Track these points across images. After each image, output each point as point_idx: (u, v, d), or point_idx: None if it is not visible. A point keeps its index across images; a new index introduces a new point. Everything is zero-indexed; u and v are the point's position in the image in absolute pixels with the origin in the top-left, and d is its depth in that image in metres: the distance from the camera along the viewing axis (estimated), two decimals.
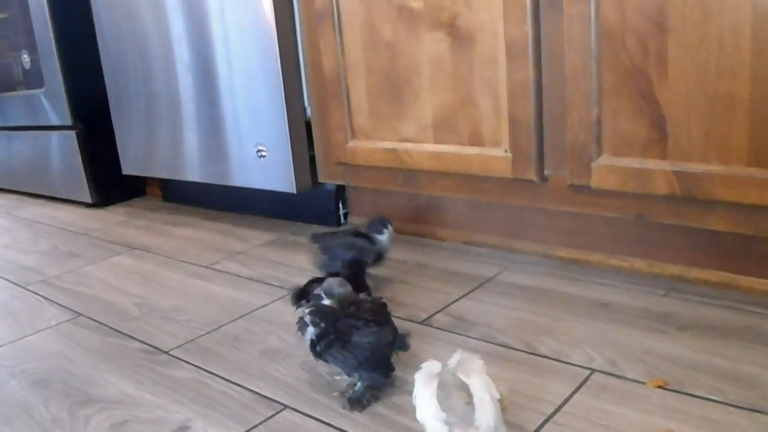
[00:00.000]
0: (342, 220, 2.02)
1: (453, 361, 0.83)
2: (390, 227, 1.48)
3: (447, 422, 0.79)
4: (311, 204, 2.04)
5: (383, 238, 1.46)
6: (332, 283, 1.11)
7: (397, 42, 1.60)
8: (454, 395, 0.79)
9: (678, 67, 1.19)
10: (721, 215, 1.21)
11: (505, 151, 1.46)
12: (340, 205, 2.02)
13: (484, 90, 1.47)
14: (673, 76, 1.20)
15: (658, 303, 1.28)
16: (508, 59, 1.40)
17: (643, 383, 1.02)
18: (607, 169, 1.31)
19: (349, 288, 1.12)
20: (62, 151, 2.69)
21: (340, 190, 1.99)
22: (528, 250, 1.60)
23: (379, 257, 1.46)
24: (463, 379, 0.80)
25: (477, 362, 0.82)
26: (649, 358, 1.09)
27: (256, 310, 1.45)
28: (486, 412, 0.78)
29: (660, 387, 1.01)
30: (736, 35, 1.12)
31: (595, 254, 1.48)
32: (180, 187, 2.48)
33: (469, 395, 0.79)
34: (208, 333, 1.36)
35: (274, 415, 1.04)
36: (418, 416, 0.81)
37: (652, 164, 1.25)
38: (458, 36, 1.48)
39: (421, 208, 1.79)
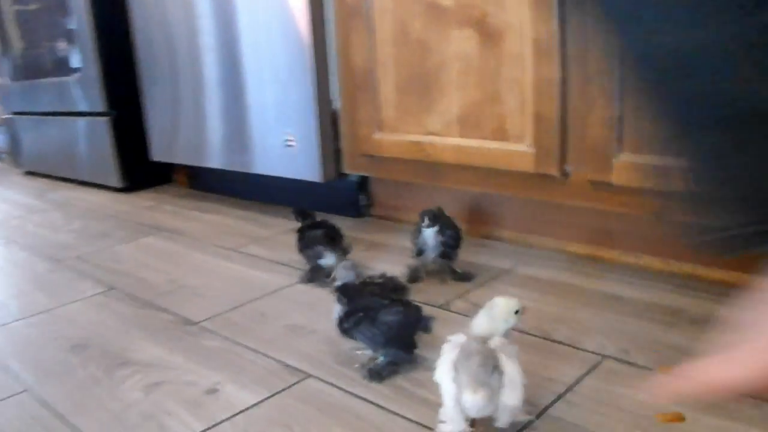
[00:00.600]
0: (364, 212, 2.07)
1: (494, 339, 0.88)
2: (427, 221, 1.46)
3: (456, 381, 0.84)
4: (333, 195, 2.10)
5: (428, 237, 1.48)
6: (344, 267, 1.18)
7: (426, 38, 1.65)
8: (473, 359, 0.84)
9: None
10: None
11: (528, 146, 1.51)
12: (362, 196, 2.07)
13: (511, 87, 1.52)
14: None
15: (669, 298, 1.33)
16: (534, 57, 1.45)
17: (651, 371, 1.07)
18: (628, 165, 1.36)
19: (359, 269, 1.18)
20: (93, 137, 2.77)
21: (363, 182, 2.05)
22: (544, 245, 1.65)
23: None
24: (500, 359, 0.85)
25: (513, 347, 0.88)
26: (659, 347, 1.14)
27: (281, 289, 1.51)
28: (513, 393, 0.84)
29: (666, 372, 1.05)
30: None
31: (610, 251, 1.53)
32: (206, 175, 2.55)
33: (487, 361, 0.84)
34: (235, 308, 1.41)
35: (298, 382, 1.09)
36: (436, 376, 0.87)
37: (673, 161, 1.29)
38: (487, 33, 1.53)
39: (442, 202, 1.83)
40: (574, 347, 1.16)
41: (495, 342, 0.87)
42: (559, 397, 1.01)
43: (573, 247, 1.59)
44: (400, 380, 1.08)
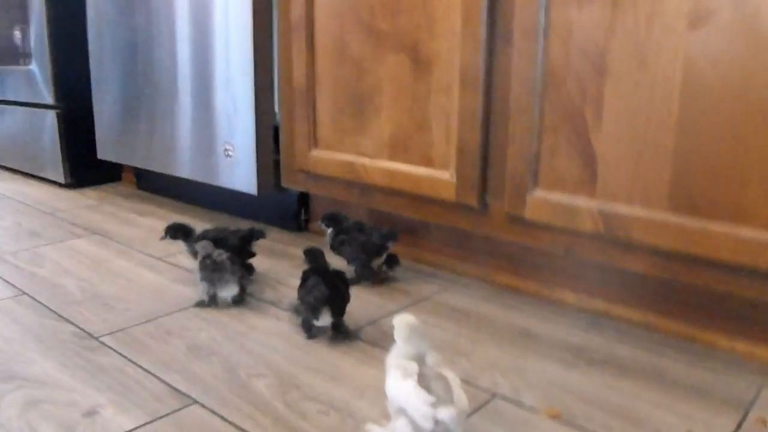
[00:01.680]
0: (303, 226, 2.06)
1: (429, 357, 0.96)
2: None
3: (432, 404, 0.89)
4: (275, 207, 2.08)
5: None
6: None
7: (363, 59, 1.64)
8: (433, 382, 0.92)
9: (612, 111, 1.24)
10: (641, 258, 1.26)
11: (451, 175, 1.50)
12: (303, 211, 2.06)
13: (438, 114, 1.51)
14: (607, 119, 1.24)
15: (577, 336, 1.33)
16: (461, 87, 1.45)
17: (537, 413, 1.06)
18: (541, 202, 1.35)
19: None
20: (42, 130, 2.73)
21: (304, 196, 2.03)
22: (471, 273, 1.64)
23: None
24: (441, 371, 0.94)
25: (439, 357, 0.97)
26: (551, 388, 1.13)
27: (195, 306, 1.48)
28: (463, 396, 0.92)
29: (554, 417, 1.05)
30: (668, 84, 1.17)
31: (529, 282, 1.53)
32: (154, 177, 2.52)
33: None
34: (142, 323, 1.39)
35: (181, 408, 1.07)
36: (400, 402, 0.92)
37: (581, 201, 1.30)
38: (418, 60, 1.52)
39: (377, 222, 1.83)
40: (467, 383, 1.15)
41: (432, 359, 0.95)
42: None
43: (497, 276, 1.59)
44: (283, 410, 1.06)
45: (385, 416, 1.00)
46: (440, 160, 1.52)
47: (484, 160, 1.45)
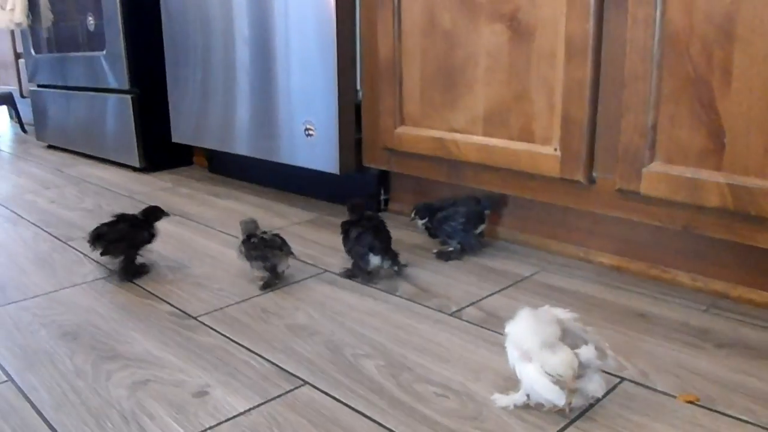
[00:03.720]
0: (382, 206, 2.01)
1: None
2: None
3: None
4: (353, 187, 2.03)
5: None
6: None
7: (455, 31, 1.57)
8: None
9: (742, 78, 1.15)
10: None
11: (555, 149, 1.43)
12: (382, 190, 2.00)
13: (540, 86, 1.44)
14: (737, 87, 1.15)
15: (697, 318, 1.24)
16: (566, 56, 1.37)
17: (674, 397, 0.99)
18: (659, 176, 1.27)
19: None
20: (116, 115, 2.73)
21: (384, 175, 1.98)
22: (568, 253, 1.57)
23: None
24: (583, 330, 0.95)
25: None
26: (682, 372, 1.06)
27: (288, 285, 1.44)
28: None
29: (690, 402, 0.98)
30: None
31: (637, 263, 1.45)
32: (226, 159, 2.50)
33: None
34: (237, 303, 1.35)
35: (293, 389, 1.03)
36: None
37: (706, 175, 1.21)
38: (518, 29, 1.45)
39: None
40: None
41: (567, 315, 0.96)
42: (571, 422, 0.93)
43: (598, 256, 1.51)
44: (398, 392, 1.01)
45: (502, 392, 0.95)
46: (542, 133, 1.45)
47: (592, 133, 1.37)
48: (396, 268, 1.45)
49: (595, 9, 1.32)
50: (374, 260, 1.43)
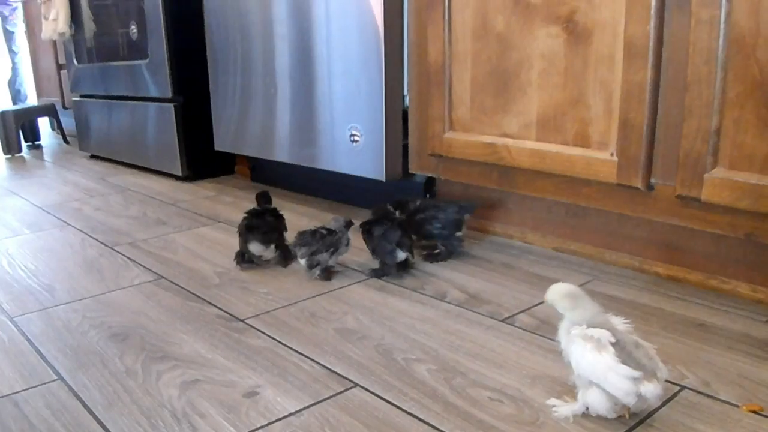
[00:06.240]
0: None
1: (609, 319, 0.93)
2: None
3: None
4: (398, 194, 2.00)
5: None
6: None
7: (508, 34, 1.55)
8: (631, 349, 0.89)
9: None
10: None
11: (612, 154, 1.39)
12: (428, 198, 1.98)
13: (597, 90, 1.40)
14: None
15: (759, 329, 1.19)
16: (625, 59, 1.34)
17: (737, 406, 0.95)
18: (722, 182, 1.23)
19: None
20: (159, 124, 2.74)
21: (429, 183, 1.95)
22: (622, 263, 1.52)
23: None
24: (636, 338, 0.91)
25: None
26: (745, 382, 1.01)
27: (335, 290, 1.42)
28: (663, 366, 0.89)
29: (754, 412, 0.93)
30: None
31: (694, 273, 1.40)
32: (268, 167, 2.49)
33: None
34: (284, 306, 1.34)
35: (344, 391, 1.00)
36: (597, 376, 0.88)
37: None
38: (575, 32, 1.42)
39: (512, 209, 1.73)
40: None
41: (622, 325, 0.92)
42: (631, 429, 0.90)
43: (653, 266, 1.46)
44: (452, 396, 0.98)
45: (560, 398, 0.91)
46: (598, 138, 1.41)
47: (651, 138, 1.33)
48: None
49: (656, 10, 1.28)
50: (401, 255, 1.47)
